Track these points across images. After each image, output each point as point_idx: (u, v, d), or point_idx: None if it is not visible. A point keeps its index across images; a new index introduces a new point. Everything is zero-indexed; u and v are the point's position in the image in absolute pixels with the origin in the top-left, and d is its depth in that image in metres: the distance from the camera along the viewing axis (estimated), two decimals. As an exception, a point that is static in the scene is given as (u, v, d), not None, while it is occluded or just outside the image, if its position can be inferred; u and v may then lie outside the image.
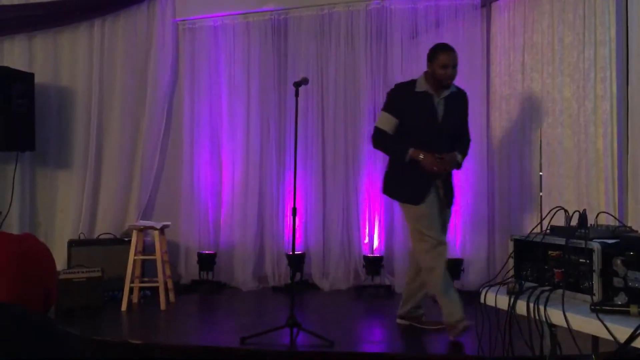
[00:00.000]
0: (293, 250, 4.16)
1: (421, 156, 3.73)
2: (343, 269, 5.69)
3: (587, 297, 2.05)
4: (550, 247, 2.24)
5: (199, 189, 5.98)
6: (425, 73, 3.91)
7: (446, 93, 3.88)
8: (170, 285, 5.16)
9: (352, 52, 5.77)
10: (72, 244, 5.33)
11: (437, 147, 3.80)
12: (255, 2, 5.89)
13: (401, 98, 3.92)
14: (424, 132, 3.83)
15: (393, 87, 4.07)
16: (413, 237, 3.94)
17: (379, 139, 3.95)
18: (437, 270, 3.81)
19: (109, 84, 5.95)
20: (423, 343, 4.06)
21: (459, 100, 4.00)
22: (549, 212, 2.36)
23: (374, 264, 5.51)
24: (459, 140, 3.97)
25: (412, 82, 3.96)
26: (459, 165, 3.93)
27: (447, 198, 3.94)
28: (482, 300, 2.39)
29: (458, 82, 5.41)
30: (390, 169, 4.04)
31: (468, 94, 5.41)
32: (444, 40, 5.47)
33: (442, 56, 3.80)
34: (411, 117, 3.86)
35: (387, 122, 3.89)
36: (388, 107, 3.94)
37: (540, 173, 4.88)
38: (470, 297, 4.91)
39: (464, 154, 4.00)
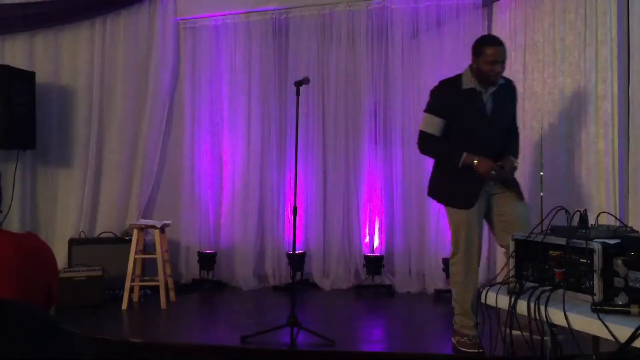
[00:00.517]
0: (294, 249, 4.16)
1: (475, 161, 3.45)
2: (343, 268, 5.69)
3: (588, 297, 2.05)
4: (551, 247, 2.24)
5: (200, 188, 5.98)
6: (471, 67, 3.59)
7: (493, 88, 3.59)
8: (170, 284, 5.16)
9: (353, 51, 5.77)
10: (72, 242, 5.34)
11: (488, 146, 3.57)
12: (256, 2, 5.88)
13: (446, 97, 3.61)
14: (474, 132, 3.57)
15: (437, 84, 3.72)
16: (452, 244, 3.70)
17: (426, 144, 3.65)
18: (470, 291, 3.60)
19: (109, 83, 5.95)
20: (423, 342, 4.06)
21: (507, 91, 3.69)
22: (550, 212, 2.36)
23: (374, 264, 5.51)
24: (509, 137, 3.72)
25: (457, 79, 3.63)
26: (515, 168, 3.67)
27: (517, 190, 3.67)
28: (482, 300, 2.39)
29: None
30: (439, 171, 3.76)
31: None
32: (445, 40, 5.52)
33: (489, 51, 3.47)
34: (459, 117, 3.57)
35: (433, 125, 3.59)
36: (432, 108, 3.62)
37: (541, 173, 4.88)
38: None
39: (517, 152, 3.76)
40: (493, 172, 3.47)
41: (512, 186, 3.68)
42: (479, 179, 3.54)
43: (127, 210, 5.90)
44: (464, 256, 3.63)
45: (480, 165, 3.47)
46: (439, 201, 3.86)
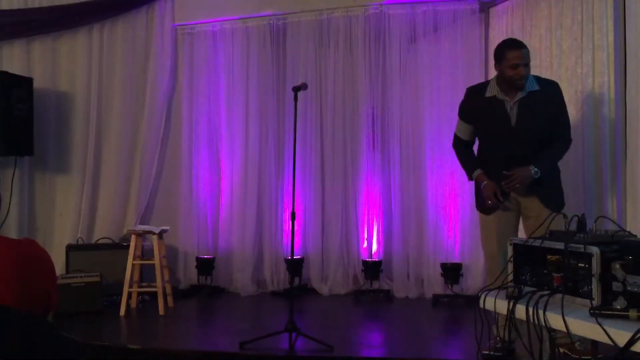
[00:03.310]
0: (292, 254, 4.16)
1: (484, 183, 3.49)
2: (342, 273, 5.69)
3: (586, 302, 2.05)
4: (550, 252, 2.24)
5: (198, 194, 5.98)
6: (497, 74, 3.52)
7: (521, 95, 3.43)
8: (168, 290, 5.15)
9: (351, 57, 5.78)
10: (70, 248, 5.33)
11: (515, 155, 3.44)
12: (254, 7, 5.89)
13: (470, 104, 3.63)
14: (498, 140, 3.51)
15: (466, 90, 3.77)
16: None
17: (455, 147, 3.78)
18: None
19: (107, 89, 5.95)
20: (422, 347, 4.06)
21: (542, 98, 3.46)
22: (548, 216, 2.37)
23: (372, 269, 5.50)
24: (546, 144, 3.49)
25: (484, 85, 3.62)
26: (533, 179, 3.40)
27: (543, 196, 3.47)
28: (481, 305, 2.39)
29: (456, 87, 5.45)
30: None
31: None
32: (442, 45, 5.53)
33: (510, 54, 3.38)
34: (482, 125, 3.59)
35: (461, 129, 3.70)
36: (459, 113, 3.71)
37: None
38: (469, 302, 4.94)
39: (548, 162, 3.50)
40: (490, 202, 3.45)
41: (537, 193, 3.48)
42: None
43: (125, 216, 5.89)
44: (485, 261, 3.73)
45: (486, 189, 3.50)
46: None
